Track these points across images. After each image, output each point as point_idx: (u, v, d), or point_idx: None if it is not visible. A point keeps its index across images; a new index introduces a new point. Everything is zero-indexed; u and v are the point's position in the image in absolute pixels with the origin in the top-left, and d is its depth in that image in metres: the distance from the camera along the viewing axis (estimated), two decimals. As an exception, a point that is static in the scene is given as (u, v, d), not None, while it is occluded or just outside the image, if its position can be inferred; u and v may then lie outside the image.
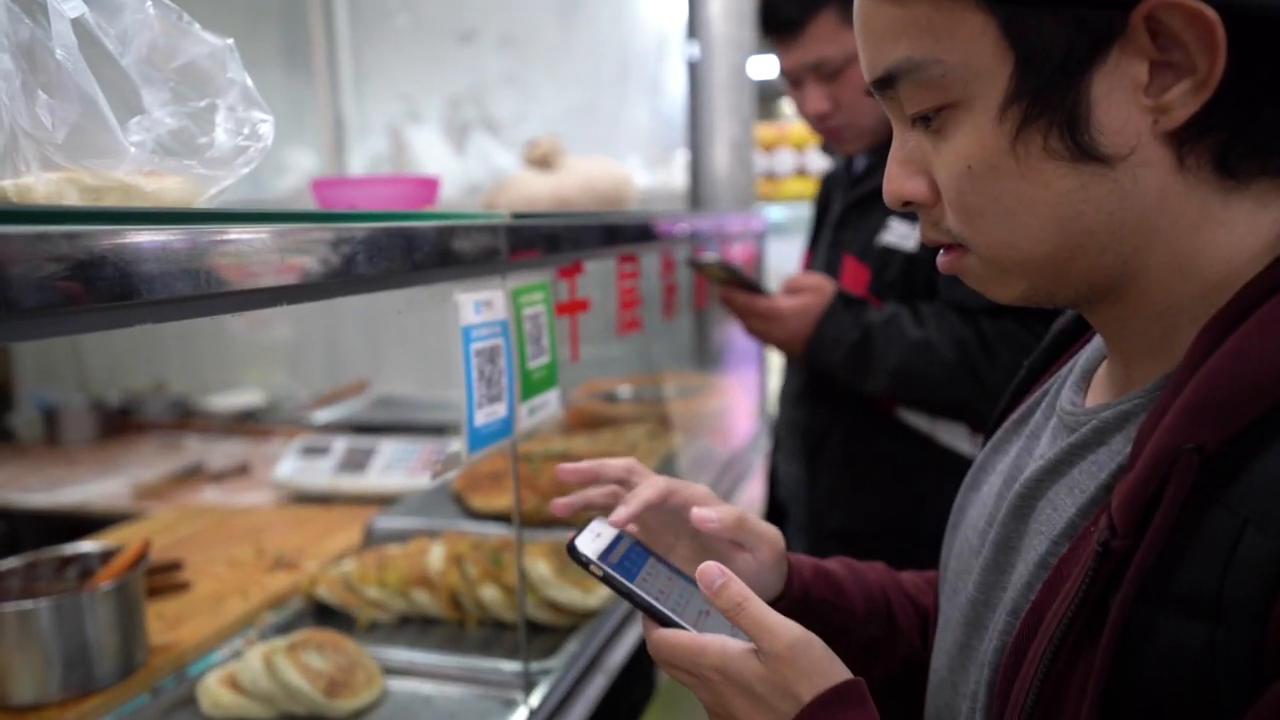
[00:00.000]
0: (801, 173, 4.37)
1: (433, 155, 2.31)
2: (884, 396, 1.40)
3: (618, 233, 1.21)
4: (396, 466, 1.88)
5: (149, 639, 1.16)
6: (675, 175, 2.36)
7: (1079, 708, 0.47)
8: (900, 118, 0.57)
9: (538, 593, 1.23)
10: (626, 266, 1.25)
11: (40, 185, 0.55)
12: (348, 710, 1.05)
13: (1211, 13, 0.46)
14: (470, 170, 2.37)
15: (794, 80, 1.47)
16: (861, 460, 1.47)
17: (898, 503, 1.44)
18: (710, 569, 0.59)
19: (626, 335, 1.27)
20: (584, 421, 1.94)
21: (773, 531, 0.75)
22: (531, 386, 0.97)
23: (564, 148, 1.67)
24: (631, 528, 0.75)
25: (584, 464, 0.78)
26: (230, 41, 0.63)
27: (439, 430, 2.09)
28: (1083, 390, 0.62)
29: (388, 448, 1.93)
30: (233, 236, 0.57)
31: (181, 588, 1.39)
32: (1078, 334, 0.71)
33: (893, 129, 0.58)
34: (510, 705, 1.08)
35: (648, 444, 1.78)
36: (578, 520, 0.75)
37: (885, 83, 0.55)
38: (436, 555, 1.31)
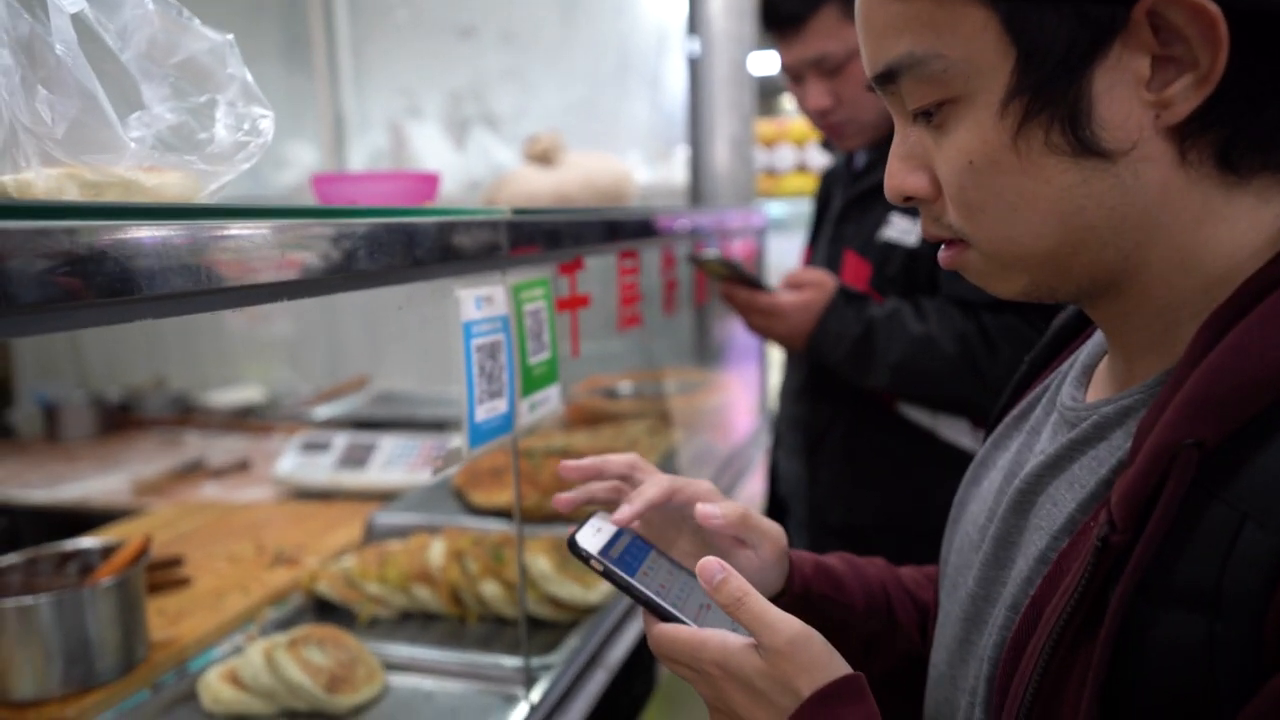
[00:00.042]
0: (802, 168, 4.37)
1: (433, 151, 2.31)
2: (886, 391, 1.40)
3: (618, 228, 1.20)
4: (397, 462, 1.88)
5: (150, 635, 1.16)
6: (676, 171, 2.35)
7: (1078, 702, 0.47)
8: (902, 113, 0.57)
9: (538, 588, 1.23)
10: (627, 262, 1.25)
11: (40, 181, 0.55)
12: (349, 706, 1.05)
13: (1214, 7, 0.46)
14: (470, 166, 2.36)
15: (795, 76, 1.47)
16: (862, 455, 1.47)
17: (898, 498, 1.44)
18: (710, 564, 0.59)
19: (627, 331, 1.27)
20: (585, 417, 1.94)
21: (775, 528, 0.75)
22: (532, 382, 0.97)
23: (564, 143, 1.67)
24: (634, 523, 0.75)
25: (586, 460, 0.78)
26: (230, 37, 0.63)
27: (440, 426, 2.08)
28: (1084, 385, 0.62)
29: (388, 444, 1.93)
30: (233, 232, 0.57)
31: (182, 584, 1.39)
32: (1079, 329, 0.71)
33: (894, 124, 0.58)
34: (511, 700, 1.08)
35: (648, 440, 1.78)
36: (579, 516, 0.75)
37: (887, 78, 0.55)
38: (437, 551, 1.31)
